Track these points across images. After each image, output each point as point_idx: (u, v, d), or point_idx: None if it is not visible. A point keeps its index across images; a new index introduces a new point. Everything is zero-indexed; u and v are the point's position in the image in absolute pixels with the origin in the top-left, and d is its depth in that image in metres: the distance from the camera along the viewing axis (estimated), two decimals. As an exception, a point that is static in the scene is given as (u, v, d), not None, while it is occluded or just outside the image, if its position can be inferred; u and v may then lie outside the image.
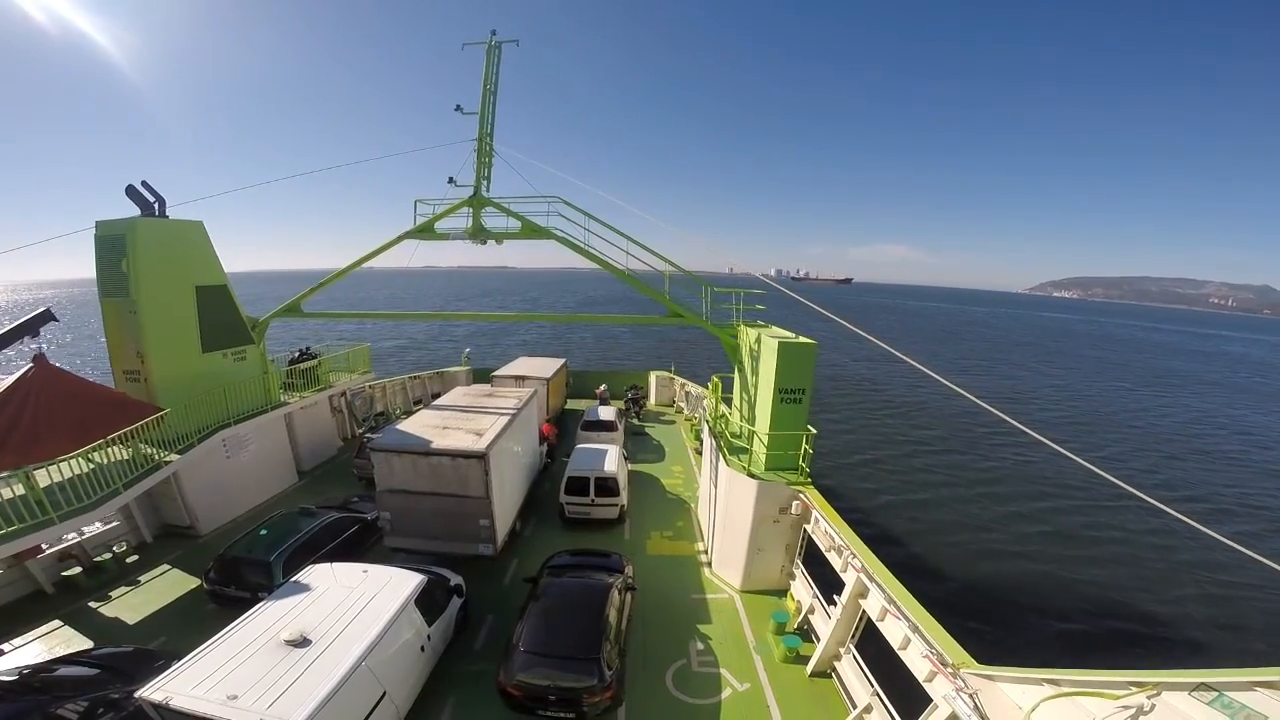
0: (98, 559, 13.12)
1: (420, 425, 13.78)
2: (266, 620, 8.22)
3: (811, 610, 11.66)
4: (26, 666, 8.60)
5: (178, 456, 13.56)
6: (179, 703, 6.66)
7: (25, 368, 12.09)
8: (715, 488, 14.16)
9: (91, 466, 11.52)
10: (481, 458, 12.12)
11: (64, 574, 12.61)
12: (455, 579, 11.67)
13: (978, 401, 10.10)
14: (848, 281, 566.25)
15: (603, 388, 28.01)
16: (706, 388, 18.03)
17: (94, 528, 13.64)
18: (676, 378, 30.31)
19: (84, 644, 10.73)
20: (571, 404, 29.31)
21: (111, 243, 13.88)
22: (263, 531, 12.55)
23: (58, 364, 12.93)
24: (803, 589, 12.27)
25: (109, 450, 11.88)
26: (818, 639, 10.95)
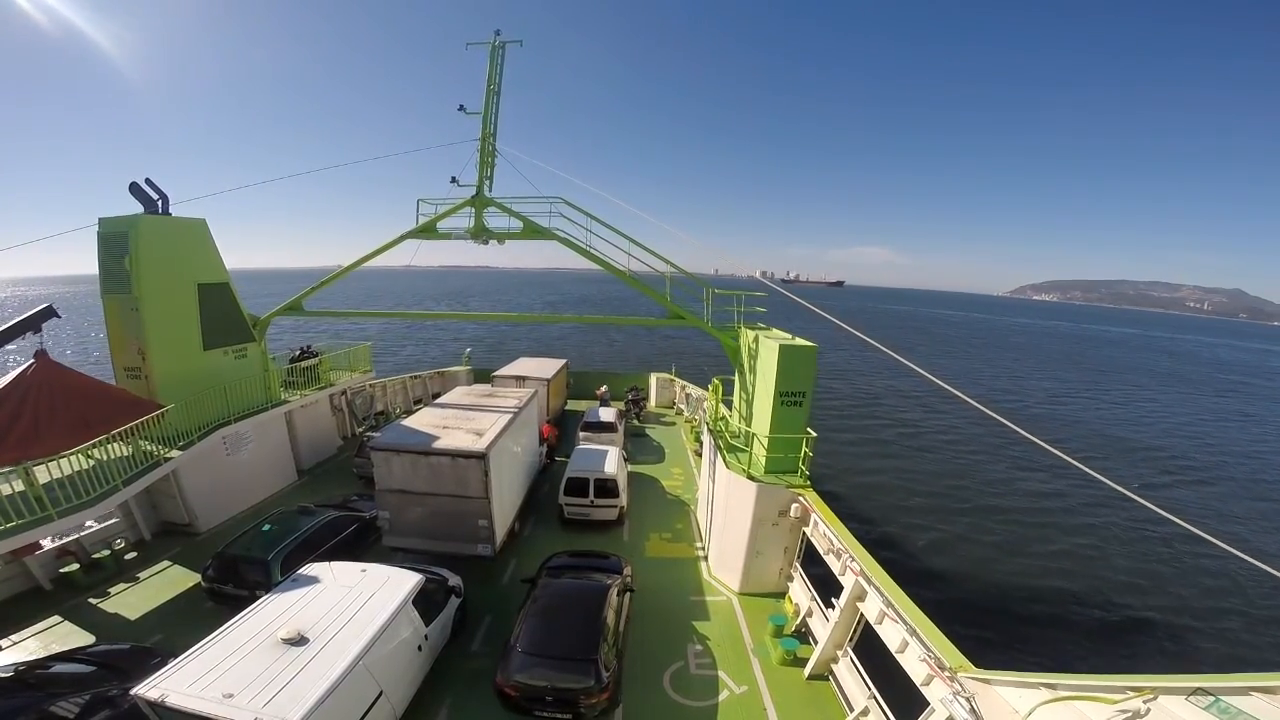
0: (96, 556, 13.11)
1: (420, 424, 13.78)
2: (264, 618, 8.21)
3: (809, 613, 11.64)
4: (23, 663, 8.59)
5: (178, 453, 13.57)
6: (175, 700, 6.65)
7: (27, 363, 12.13)
8: (715, 490, 14.15)
9: (91, 463, 11.53)
10: (481, 458, 12.12)
11: (62, 571, 12.62)
12: (453, 579, 11.65)
13: (977, 405, 10.11)
14: (839, 284, 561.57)
15: (603, 389, 28.01)
16: (707, 390, 18.05)
17: (93, 525, 13.65)
18: (677, 380, 30.32)
19: (81, 641, 10.72)
20: (572, 405, 29.31)
21: (114, 240, 13.91)
22: (262, 529, 12.55)
23: (59, 360, 12.98)
24: (801, 592, 12.26)
25: (109, 447, 11.88)
26: (815, 642, 10.93)
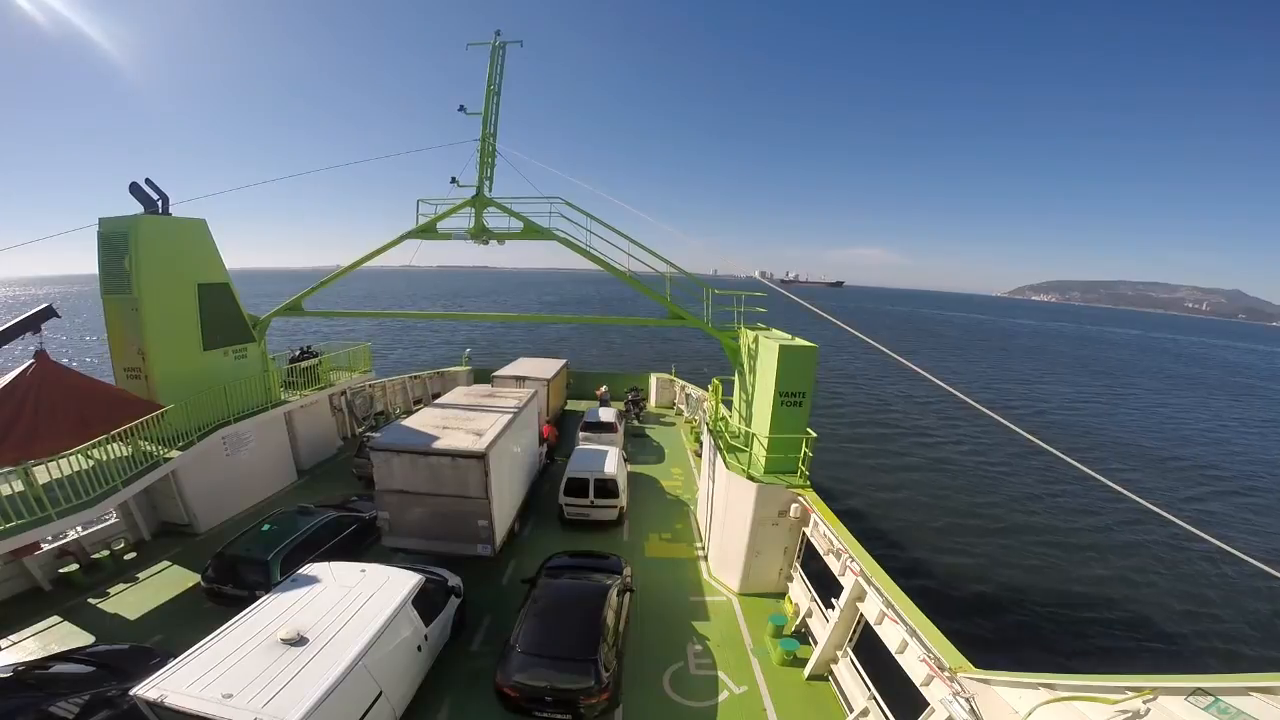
0: (95, 556, 13.13)
1: (420, 425, 13.77)
2: (263, 619, 8.21)
3: (809, 613, 11.64)
4: (22, 663, 8.58)
5: (178, 454, 13.55)
6: (174, 700, 6.65)
7: (26, 364, 12.13)
8: (714, 490, 14.15)
9: (91, 463, 11.52)
10: (481, 458, 12.11)
11: (61, 571, 12.62)
12: (453, 579, 11.67)
13: (977, 406, 10.12)
14: (839, 285, 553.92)
15: (603, 389, 28.01)
16: (707, 390, 18.05)
17: (92, 525, 13.64)
18: (677, 380, 30.31)
19: (81, 641, 10.72)
20: (572, 405, 29.32)
21: (114, 240, 13.90)
22: (261, 530, 12.55)
23: (60, 360, 12.98)
24: (801, 592, 12.26)
25: (109, 447, 11.88)
26: (815, 642, 10.93)
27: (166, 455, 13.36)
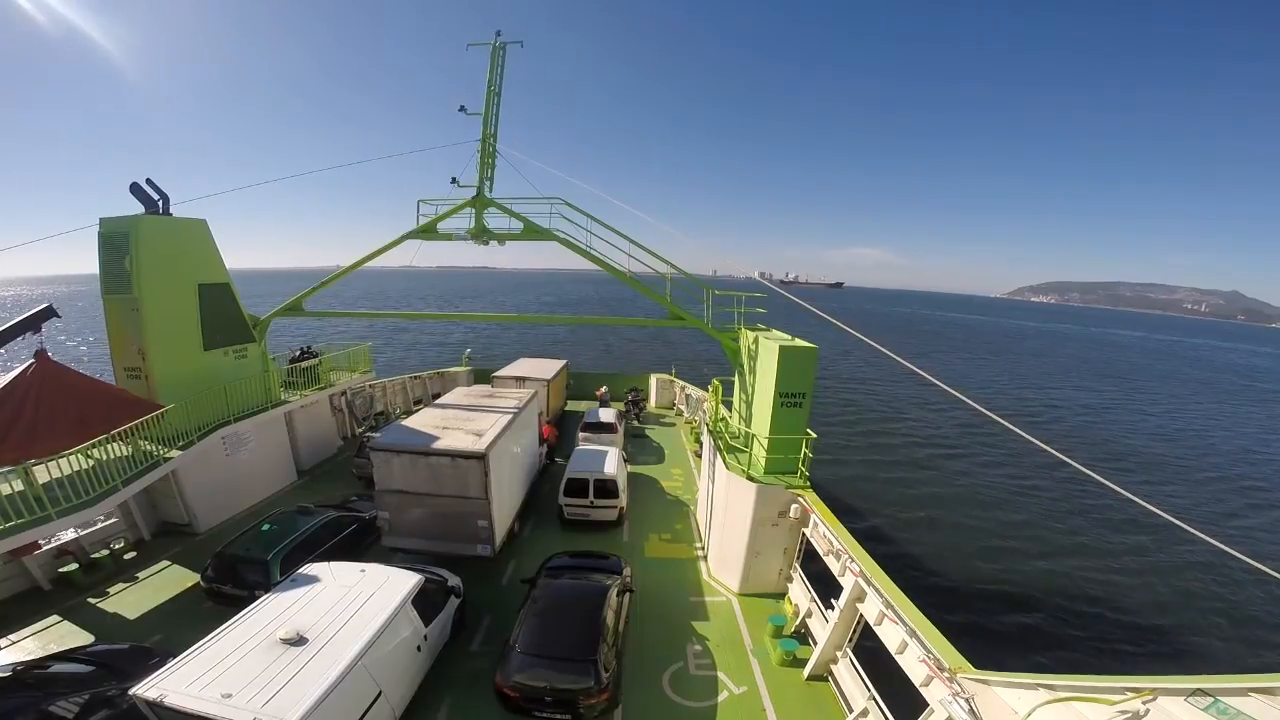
0: (95, 556, 13.12)
1: (420, 425, 13.78)
2: (263, 618, 8.21)
3: (809, 614, 11.64)
4: (21, 663, 8.59)
5: (178, 454, 13.56)
6: (173, 700, 6.65)
7: (27, 363, 12.15)
8: (714, 490, 14.15)
9: (91, 463, 11.52)
10: (481, 458, 12.12)
11: (60, 570, 12.62)
12: (453, 579, 11.66)
13: (978, 407, 10.11)
14: (839, 286, 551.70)
15: (603, 389, 28.03)
16: (707, 391, 18.05)
17: (92, 524, 13.65)
18: (677, 380, 30.33)
19: (80, 640, 10.72)
20: (572, 405, 29.33)
21: (115, 240, 13.92)
22: (261, 529, 12.56)
23: (60, 360, 12.99)
24: (800, 592, 12.26)
25: (109, 447, 11.88)
26: (815, 642, 10.93)
27: (166, 455, 13.37)
